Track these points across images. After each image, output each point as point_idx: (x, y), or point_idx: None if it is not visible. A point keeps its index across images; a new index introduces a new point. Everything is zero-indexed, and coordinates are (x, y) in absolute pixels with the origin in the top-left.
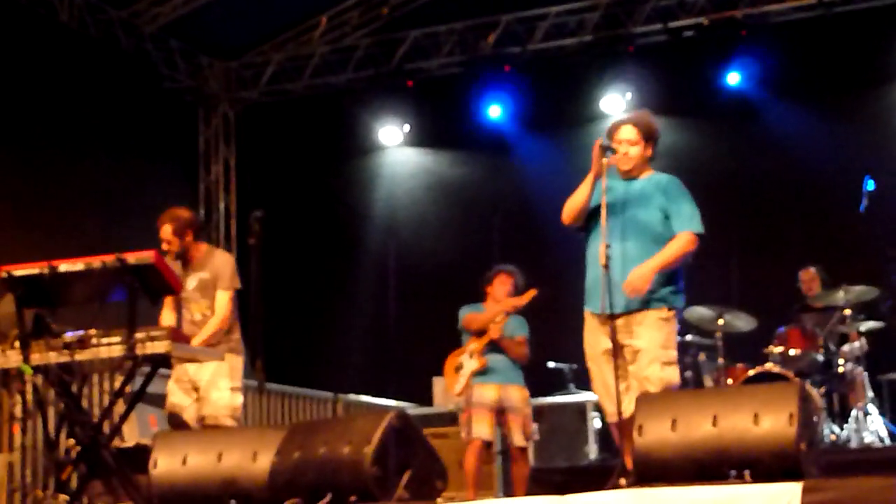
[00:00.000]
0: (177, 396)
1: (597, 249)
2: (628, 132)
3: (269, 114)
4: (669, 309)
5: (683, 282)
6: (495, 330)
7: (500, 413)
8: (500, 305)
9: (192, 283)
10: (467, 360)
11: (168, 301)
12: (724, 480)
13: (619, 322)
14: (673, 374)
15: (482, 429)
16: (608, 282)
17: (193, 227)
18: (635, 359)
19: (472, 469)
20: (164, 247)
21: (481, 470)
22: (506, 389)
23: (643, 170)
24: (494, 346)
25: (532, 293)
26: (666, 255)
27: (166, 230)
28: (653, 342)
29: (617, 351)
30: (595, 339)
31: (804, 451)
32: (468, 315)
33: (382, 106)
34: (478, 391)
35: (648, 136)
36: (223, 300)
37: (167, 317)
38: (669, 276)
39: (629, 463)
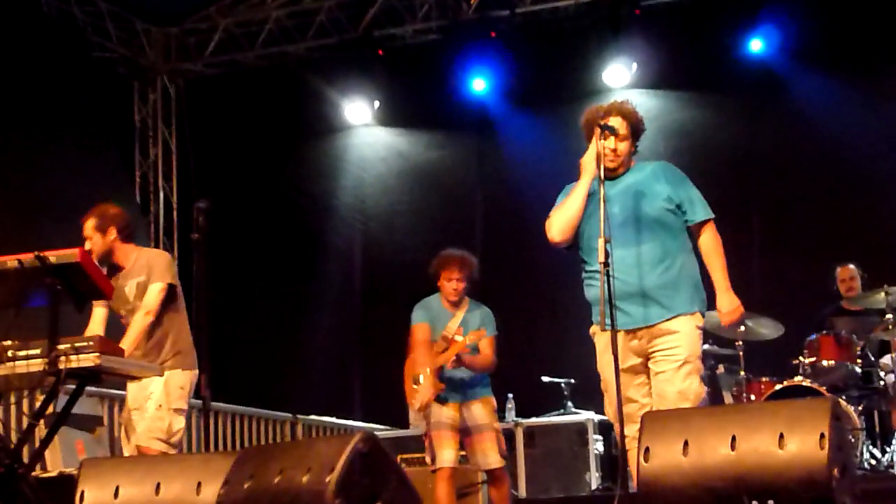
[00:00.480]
0: (124, 437)
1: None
2: (616, 124)
3: (216, 88)
4: (702, 314)
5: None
6: (452, 359)
7: (464, 434)
8: (448, 353)
9: (130, 290)
10: (425, 376)
11: (98, 313)
12: None
13: (642, 335)
14: (698, 387)
15: (448, 454)
16: (616, 290)
17: (118, 225)
18: (666, 371)
19: (444, 498)
20: (87, 245)
21: (452, 499)
22: (467, 407)
23: (627, 165)
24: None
25: (461, 345)
26: (720, 262)
27: (88, 226)
28: (691, 352)
29: (618, 367)
30: (612, 358)
31: (837, 478)
32: (418, 345)
33: (348, 79)
34: (436, 410)
35: (636, 132)
36: (152, 293)
37: (95, 329)
38: (691, 275)
39: None
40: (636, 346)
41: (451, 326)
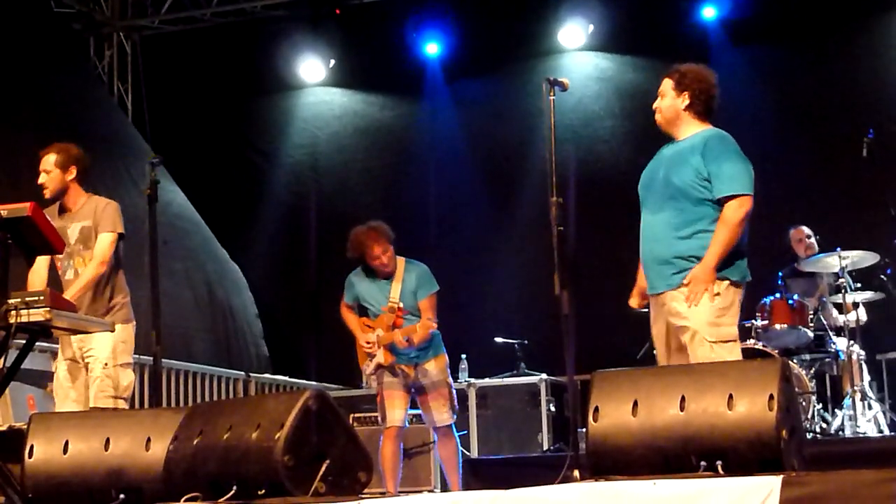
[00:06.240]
0: (62, 390)
1: (643, 224)
2: (662, 85)
3: (171, 45)
4: (721, 280)
5: (744, 245)
6: (398, 341)
7: (419, 392)
8: (389, 337)
9: (73, 234)
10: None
11: (41, 258)
12: (693, 473)
13: (666, 301)
14: (728, 356)
15: (397, 414)
16: (642, 255)
17: (79, 166)
18: (685, 341)
19: (389, 457)
20: (42, 179)
21: (397, 458)
22: (420, 368)
23: (685, 125)
24: None
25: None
26: (720, 237)
27: (48, 160)
28: (700, 319)
29: (669, 333)
30: (653, 322)
31: (785, 439)
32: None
33: (303, 38)
34: (389, 371)
35: (681, 83)
36: (104, 242)
37: (37, 277)
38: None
39: None
40: (662, 312)
41: (393, 297)
